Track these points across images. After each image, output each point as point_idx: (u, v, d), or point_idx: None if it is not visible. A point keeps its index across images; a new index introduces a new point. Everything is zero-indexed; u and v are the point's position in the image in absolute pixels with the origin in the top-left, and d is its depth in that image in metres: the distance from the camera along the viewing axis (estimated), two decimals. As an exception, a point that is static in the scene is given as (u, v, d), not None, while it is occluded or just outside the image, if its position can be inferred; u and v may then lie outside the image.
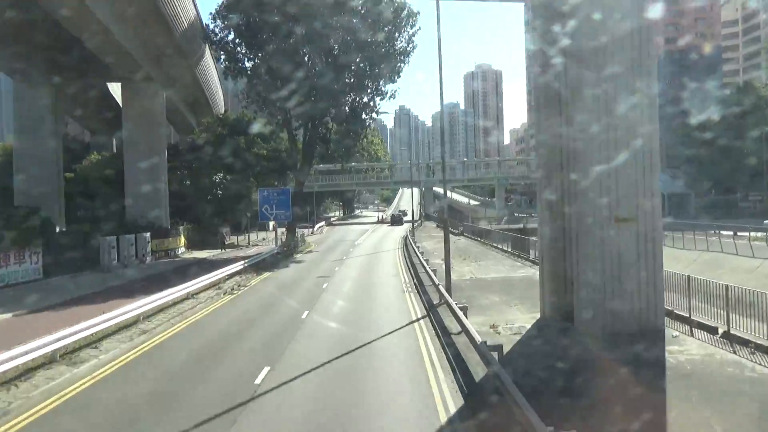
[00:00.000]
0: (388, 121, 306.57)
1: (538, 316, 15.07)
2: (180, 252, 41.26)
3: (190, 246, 45.83)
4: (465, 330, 12.59)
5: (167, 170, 49.79)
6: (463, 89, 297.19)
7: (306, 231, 64.75)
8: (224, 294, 21.37)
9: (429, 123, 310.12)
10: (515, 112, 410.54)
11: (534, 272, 24.22)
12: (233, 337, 14.29)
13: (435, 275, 20.91)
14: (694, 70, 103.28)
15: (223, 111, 60.82)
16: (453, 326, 14.30)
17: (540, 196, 14.99)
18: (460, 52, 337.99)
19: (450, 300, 14.84)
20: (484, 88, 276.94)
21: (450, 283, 18.08)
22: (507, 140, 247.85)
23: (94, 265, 31.39)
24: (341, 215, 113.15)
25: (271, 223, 53.07)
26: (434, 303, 17.79)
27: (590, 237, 12.92)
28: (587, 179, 12.85)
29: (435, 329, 14.51)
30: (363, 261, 33.82)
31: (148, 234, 36.30)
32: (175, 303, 18.85)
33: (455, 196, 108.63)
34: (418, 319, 15.98)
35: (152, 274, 29.67)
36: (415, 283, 23.06)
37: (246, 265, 28.05)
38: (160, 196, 40.83)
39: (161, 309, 17.60)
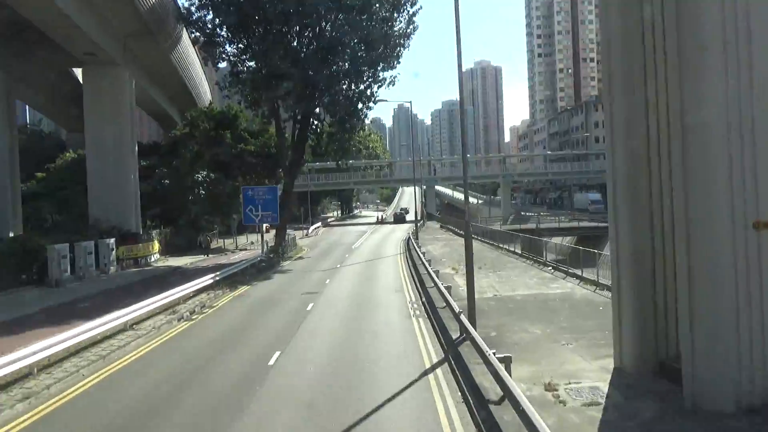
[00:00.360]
0: (387, 120, 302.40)
1: (611, 365, 10.27)
2: (153, 259, 36.45)
3: (170, 252, 41.15)
4: (513, 403, 7.81)
5: (146, 169, 45.20)
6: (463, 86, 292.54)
7: (300, 233, 60.25)
8: (178, 321, 16.54)
9: (428, 121, 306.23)
10: (515, 110, 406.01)
11: (572, 286, 19.52)
12: (152, 408, 9.40)
13: (450, 294, 16.15)
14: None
15: (208, 105, 55.95)
16: (487, 384, 9.52)
17: (614, 184, 10.16)
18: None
19: (483, 345, 10.00)
20: (484, 85, 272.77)
21: (474, 311, 13.30)
22: (507, 138, 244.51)
23: (43, 278, 26.72)
24: (339, 215, 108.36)
25: (265, 225, 48.50)
26: (453, 339, 13.00)
27: (712, 250, 8.12)
28: (708, 159, 8.08)
29: (462, 390, 9.71)
30: (360, 270, 29.00)
31: (113, 240, 31.50)
32: (104, 338, 14.08)
33: (457, 195, 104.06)
34: (433, 367, 11.18)
35: (108, 289, 24.95)
36: (423, 303, 18.27)
37: (217, 278, 23.21)
38: (130, 196, 35.99)
39: (78, 350, 12.81)
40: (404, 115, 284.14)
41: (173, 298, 18.58)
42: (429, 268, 22.51)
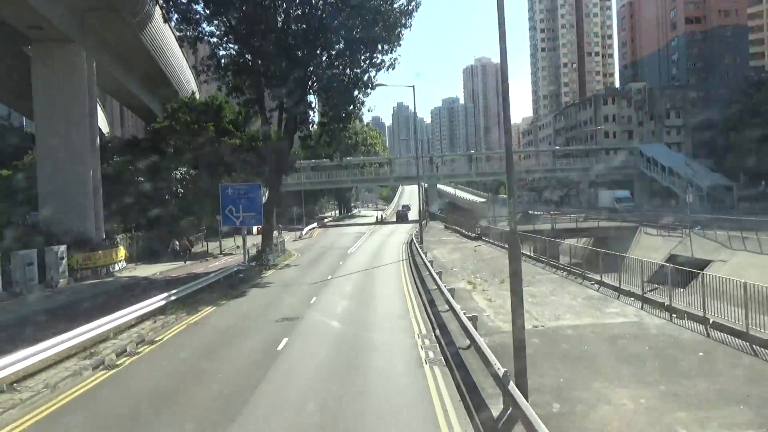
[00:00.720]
0: (386, 119, 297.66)
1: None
2: (117, 268, 31.57)
3: (145, 258, 36.46)
4: None
5: (124, 167, 40.44)
6: (463, 84, 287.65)
7: (294, 234, 55.75)
8: (94, 369, 11.65)
9: (428, 120, 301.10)
10: (515, 108, 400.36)
11: (636, 312, 14.65)
12: None
13: (476, 330, 11.39)
14: (717, 52, 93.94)
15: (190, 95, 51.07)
16: None
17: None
18: (459, 46, 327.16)
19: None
20: (484, 82, 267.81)
21: (526, 377, 8.46)
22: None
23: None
24: (337, 215, 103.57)
25: (255, 227, 43.78)
26: (495, 416, 8.17)
27: None
28: None
29: None
30: (355, 283, 24.10)
31: (63, 248, 26.65)
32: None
33: (459, 193, 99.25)
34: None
35: (44, 309, 20.06)
36: (437, 337, 13.39)
37: (172, 299, 18.29)
38: (88, 196, 31.07)
39: None
40: (404, 114, 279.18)
41: (108, 327, 13.76)
42: (441, 284, 17.70)
